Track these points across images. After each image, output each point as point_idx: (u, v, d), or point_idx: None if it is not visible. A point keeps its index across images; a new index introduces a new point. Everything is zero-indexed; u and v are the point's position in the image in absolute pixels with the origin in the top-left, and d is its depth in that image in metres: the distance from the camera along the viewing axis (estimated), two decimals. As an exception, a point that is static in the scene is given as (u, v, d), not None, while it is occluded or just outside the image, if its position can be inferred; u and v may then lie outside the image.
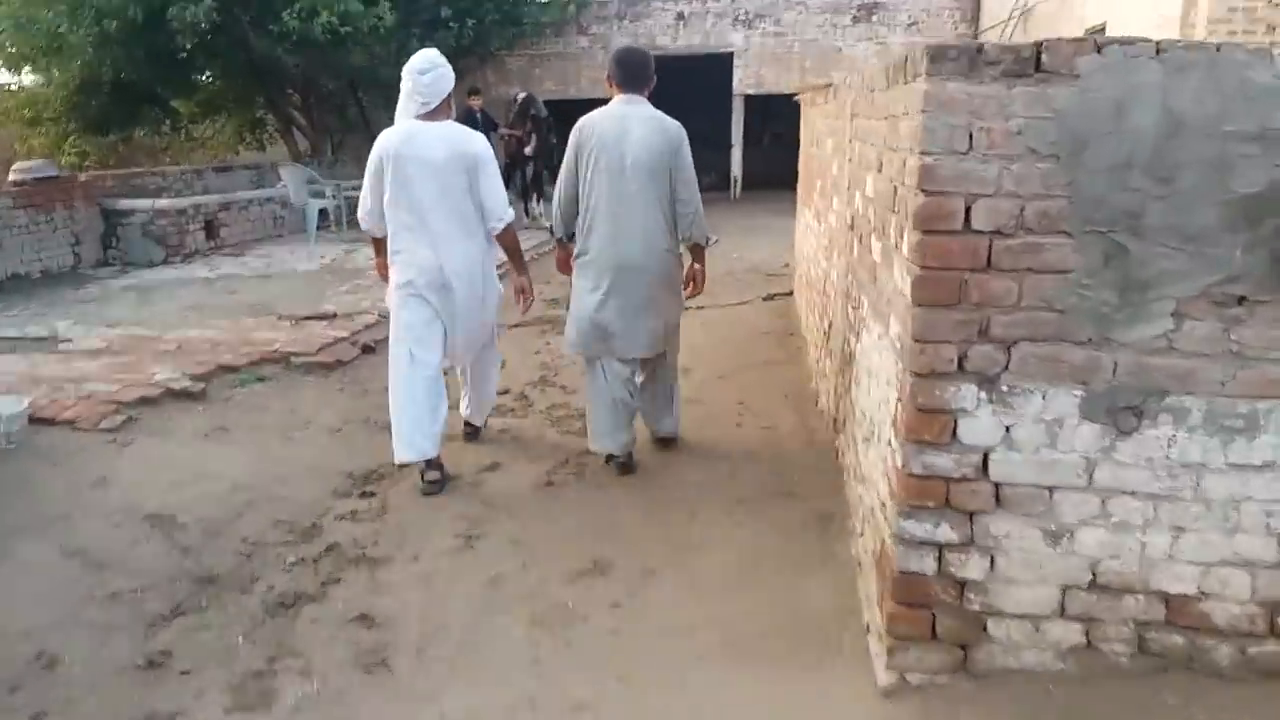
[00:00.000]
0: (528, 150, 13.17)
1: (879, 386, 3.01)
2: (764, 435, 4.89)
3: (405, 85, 4.12)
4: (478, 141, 4.23)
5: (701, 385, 5.84)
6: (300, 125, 18.05)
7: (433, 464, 4.36)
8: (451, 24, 15.20)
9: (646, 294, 4.15)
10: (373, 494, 4.38)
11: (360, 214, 4.34)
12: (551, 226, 4.48)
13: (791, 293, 8.48)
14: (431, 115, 4.12)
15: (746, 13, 18.46)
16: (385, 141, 4.14)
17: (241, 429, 5.13)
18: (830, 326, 4.68)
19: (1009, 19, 14.79)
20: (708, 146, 23.29)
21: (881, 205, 3.10)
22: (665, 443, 4.70)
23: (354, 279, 9.36)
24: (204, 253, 11.01)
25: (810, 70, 18.30)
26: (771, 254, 11.35)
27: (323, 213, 12.82)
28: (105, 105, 14.19)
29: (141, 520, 4.01)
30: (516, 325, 7.16)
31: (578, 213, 4.20)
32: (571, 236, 4.31)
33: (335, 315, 7.44)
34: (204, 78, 15.28)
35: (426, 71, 4.07)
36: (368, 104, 19.42)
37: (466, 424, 5.02)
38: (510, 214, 4.33)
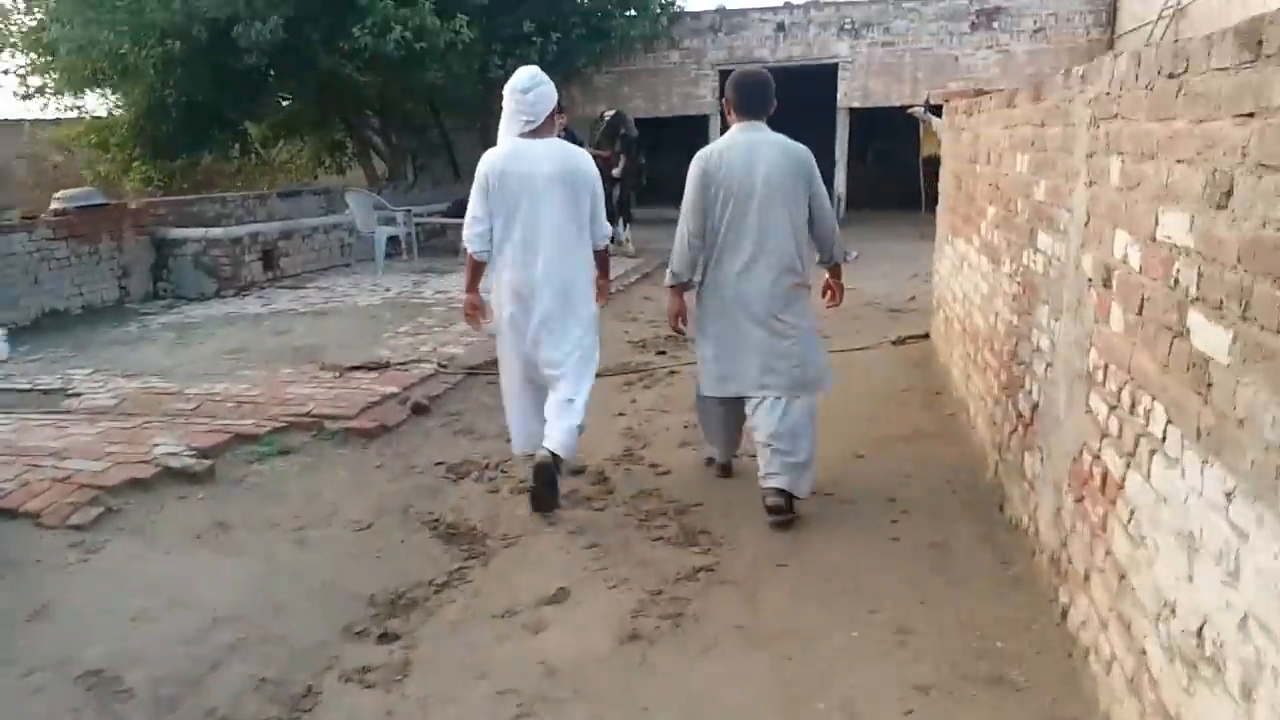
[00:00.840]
0: (615, 172, 12.07)
1: (1213, 571, 1.71)
2: (935, 558, 3.55)
3: (508, 104, 4.10)
4: (585, 158, 4.22)
5: (835, 467, 4.54)
6: (378, 148, 17.34)
7: (544, 469, 4.03)
8: (535, 39, 14.24)
9: (765, 324, 3.94)
10: (396, 636, 3.20)
11: (466, 236, 4.20)
12: (670, 271, 4.17)
13: (927, 335, 7.13)
14: (536, 133, 4.09)
15: (852, 21, 17.13)
16: (490, 159, 4.11)
17: (246, 526, 4.03)
18: (1036, 410, 3.35)
19: (1158, 18, 13.15)
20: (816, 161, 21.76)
21: (1222, 261, 1.81)
22: (784, 505, 3.88)
23: (418, 316, 8.33)
24: (260, 285, 10.15)
25: (923, 81, 16.86)
26: (892, 285, 9.98)
27: (393, 240, 11.92)
28: (172, 129, 13.59)
29: (73, 682, 2.91)
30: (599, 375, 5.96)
31: (701, 252, 4.02)
32: (689, 284, 4.13)
33: (388, 365, 6.37)
34: (275, 99, 14.59)
35: (530, 89, 4.04)
36: (449, 125, 18.71)
37: (546, 461, 4.08)
38: (609, 231, 4.41)
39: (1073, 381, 2.86)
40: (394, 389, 5.80)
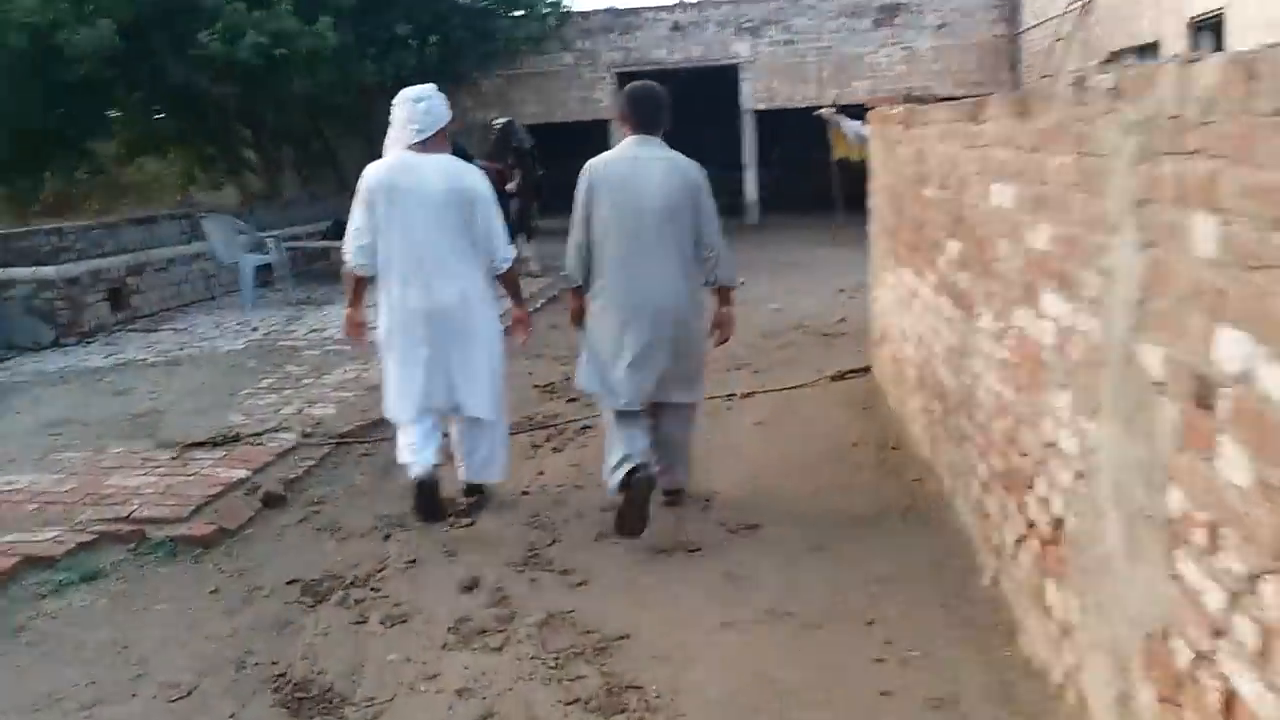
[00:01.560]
0: (510, 186, 11.12)
1: None
2: None
3: (398, 113, 4.01)
4: (477, 175, 4.14)
5: (795, 561, 3.74)
6: (250, 163, 16.03)
7: (426, 485, 4.09)
8: (411, 42, 13.17)
9: (668, 336, 3.93)
10: None
11: (347, 250, 4.09)
12: (563, 275, 4.25)
13: (869, 369, 6.42)
14: (426, 146, 3.99)
15: (751, 20, 16.53)
16: (376, 173, 4.00)
17: (13, 709, 3.02)
18: (1060, 528, 2.57)
19: (1064, 12, 12.81)
20: (714, 168, 21.14)
21: None
22: (673, 498, 4.30)
23: (286, 364, 7.27)
24: (109, 328, 8.91)
25: (829, 80, 16.40)
26: (819, 303, 9.30)
27: (265, 268, 10.75)
28: (2, 150, 12.08)
29: None
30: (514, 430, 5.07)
31: (590, 259, 4.00)
32: (586, 286, 4.08)
33: (238, 438, 5.34)
34: (123, 114, 13.20)
35: (422, 100, 3.99)
36: (330, 135, 17.48)
37: (465, 492, 4.43)
38: (512, 253, 4.30)
39: (1135, 520, 2.08)
40: (242, 472, 4.79)
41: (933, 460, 4.38)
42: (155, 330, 8.94)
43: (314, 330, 8.50)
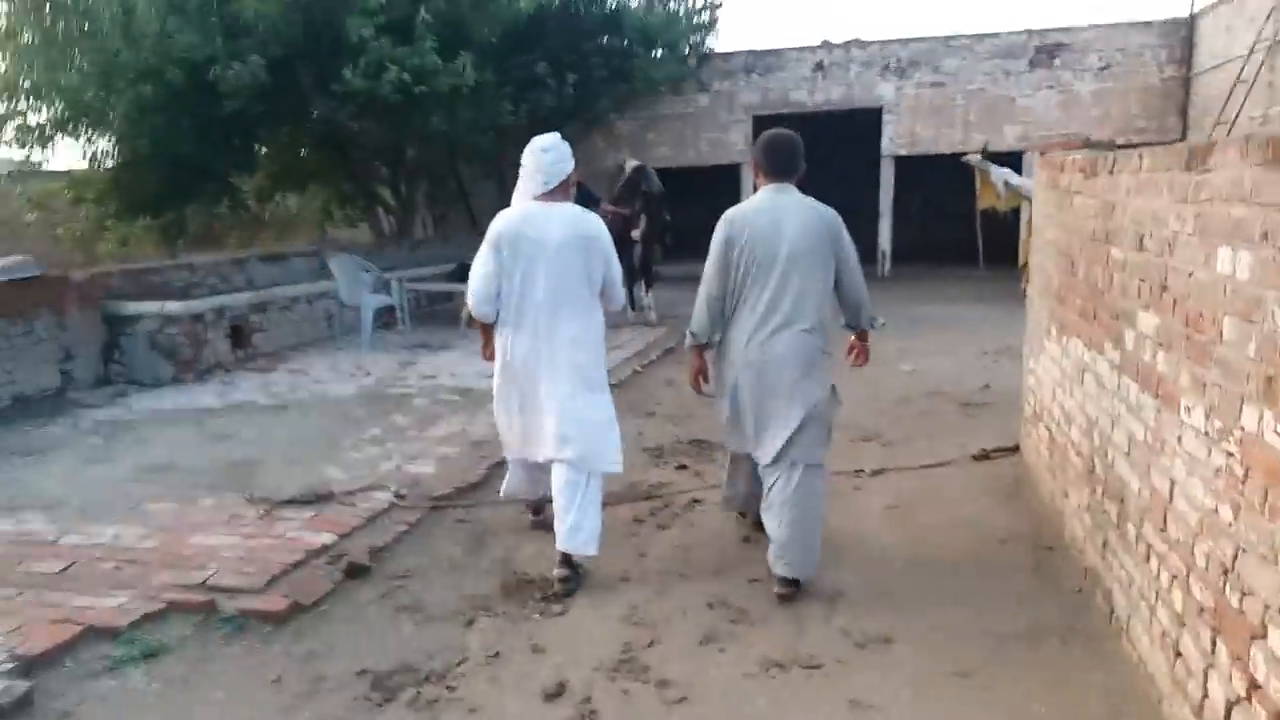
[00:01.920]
0: (635, 233, 10.82)
1: None
2: None
3: (526, 163, 4.12)
4: (596, 222, 4.19)
5: (924, 693, 3.15)
6: (385, 201, 16.26)
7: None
8: (549, 81, 13.09)
9: (798, 386, 3.86)
10: None
11: (470, 299, 4.21)
12: (689, 331, 4.14)
13: (1017, 448, 5.73)
14: (550, 196, 4.10)
15: (898, 60, 15.88)
16: (503, 222, 4.11)
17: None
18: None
19: (1250, 52, 11.74)
20: (849, 215, 20.31)
21: None
22: (791, 589, 3.89)
23: (393, 413, 7.03)
24: (227, 366, 8.92)
25: (975, 125, 15.60)
26: (960, 366, 8.57)
27: (389, 308, 10.72)
28: (150, 182, 12.52)
29: None
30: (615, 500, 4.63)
31: (723, 313, 3.99)
32: (709, 345, 4.12)
33: (331, 496, 5.05)
34: (267, 148, 13.54)
35: (549, 150, 4.08)
36: (466, 175, 17.64)
37: (561, 563, 4.09)
38: (623, 300, 4.45)
39: None
40: (328, 537, 4.48)
41: (1101, 571, 3.71)
42: (272, 370, 8.91)
43: (426, 377, 8.28)
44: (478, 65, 11.70)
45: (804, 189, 3.98)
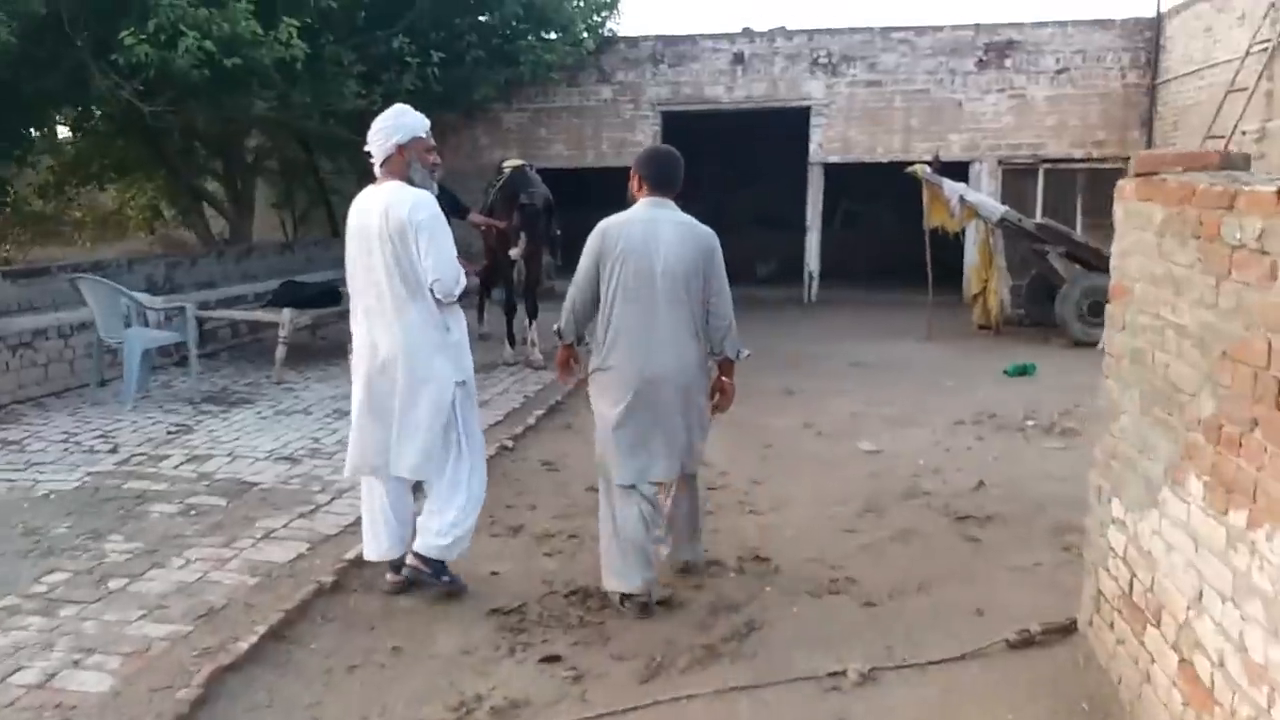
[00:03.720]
0: (514, 252, 8.62)
1: None
2: None
3: None
4: (413, 202, 3.78)
5: None
6: (214, 200, 13.68)
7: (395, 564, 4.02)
8: (409, 60, 10.72)
9: (677, 408, 3.94)
10: None
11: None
12: (558, 328, 4.10)
13: (1074, 626, 3.70)
14: (386, 175, 3.90)
15: (829, 54, 14.02)
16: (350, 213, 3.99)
17: None
18: None
19: (1247, 53, 10.13)
20: (768, 226, 18.44)
21: None
22: (688, 569, 4.28)
23: (118, 528, 4.64)
24: (-82, 432, 6.37)
25: (917, 131, 13.85)
26: (936, 444, 6.62)
27: (172, 346, 8.22)
28: None
29: None
30: None
31: (591, 317, 4.04)
32: (580, 340, 4.16)
33: None
34: (40, 132, 10.87)
35: (374, 127, 3.92)
36: (331, 173, 15.21)
37: (410, 558, 3.95)
38: (455, 284, 3.89)
39: None
40: None
41: None
42: (-11, 434, 6.39)
43: (194, 459, 5.87)
44: (314, 36, 9.32)
45: (684, 206, 4.02)
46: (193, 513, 4.87)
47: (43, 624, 3.69)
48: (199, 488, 5.26)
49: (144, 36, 8.26)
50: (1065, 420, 7.20)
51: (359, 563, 4.17)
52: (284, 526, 4.62)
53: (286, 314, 8.14)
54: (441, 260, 3.80)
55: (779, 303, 13.86)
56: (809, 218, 14.50)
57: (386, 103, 11.61)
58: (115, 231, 16.82)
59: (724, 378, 4.12)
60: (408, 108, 3.97)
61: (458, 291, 3.92)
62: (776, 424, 7.11)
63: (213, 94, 9.27)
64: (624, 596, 3.92)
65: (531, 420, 6.92)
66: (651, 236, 3.82)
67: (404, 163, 3.87)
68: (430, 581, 3.97)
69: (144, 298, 7.58)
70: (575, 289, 3.98)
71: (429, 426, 3.87)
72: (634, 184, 4.01)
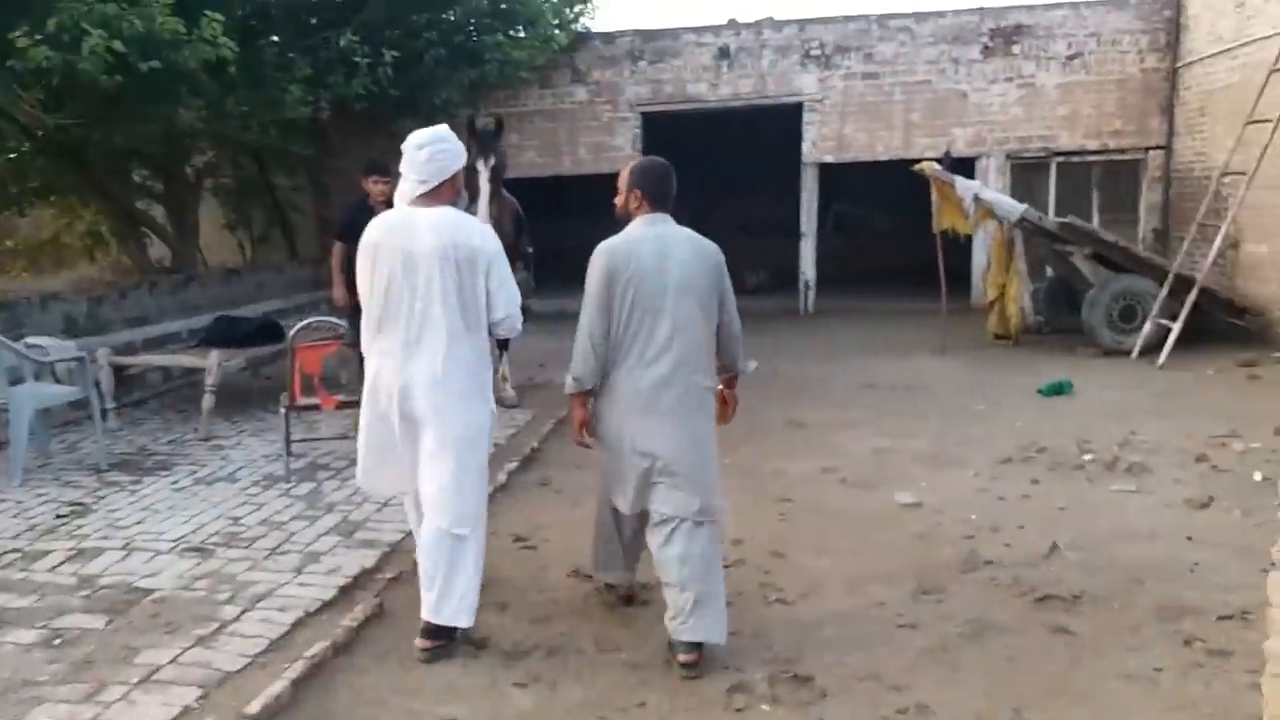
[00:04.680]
0: (479, 210, 7.53)
1: None
2: None
3: (403, 165, 3.71)
4: (481, 231, 3.75)
5: None
6: (152, 223, 12.57)
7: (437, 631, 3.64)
8: (359, 60, 9.64)
9: (690, 433, 3.67)
10: None
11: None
12: (572, 377, 3.73)
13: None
14: (430, 200, 3.68)
15: (822, 45, 13.05)
16: (371, 231, 3.75)
17: None
18: None
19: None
20: (758, 233, 16.87)
21: None
22: (694, 655, 3.54)
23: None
24: None
25: (919, 126, 12.89)
26: (981, 491, 5.61)
27: (78, 404, 7.10)
28: None
29: None
30: None
31: (606, 357, 3.72)
32: (592, 391, 3.77)
33: None
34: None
35: (426, 145, 3.65)
36: (288, 190, 14.17)
37: (426, 629, 3.63)
38: (518, 326, 3.87)
39: None
40: None
41: None
42: None
43: (77, 554, 4.71)
44: (253, 36, 8.25)
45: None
46: (57, 641, 3.76)
47: None
48: (74, 601, 4.15)
49: (41, 38, 7.16)
50: (1127, 453, 6.20)
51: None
52: (172, 661, 3.53)
53: (213, 358, 7.04)
54: (512, 296, 3.76)
55: (773, 315, 12.84)
56: (803, 223, 13.51)
57: (335, 109, 10.73)
58: (53, 261, 15.63)
59: (727, 389, 3.99)
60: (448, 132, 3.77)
61: (520, 327, 3.91)
62: (791, 470, 6.08)
63: (132, 103, 8.18)
64: (608, 586, 4.09)
65: (502, 477, 5.85)
66: (662, 254, 3.66)
67: (456, 190, 3.81)
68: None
69: (43, 343, 6.48)
70: (589, 323, 3.67)
71: (476, 471, 3.76)
72: (629, 200, 3.79)
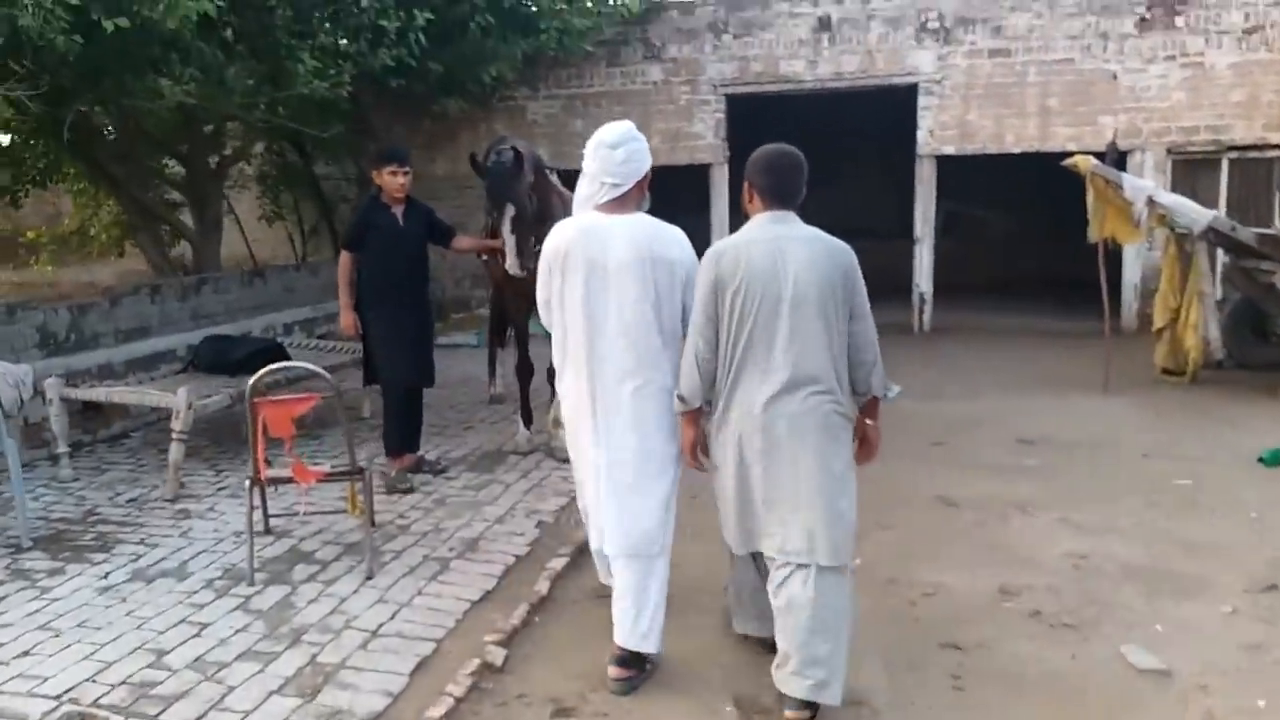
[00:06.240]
0: (509, 265, 5.90)
1: None
2: None
3: (587, 163, 3.63)
4: (677, 240, 3.60)
5: None
6: (171, 219, 11.23)
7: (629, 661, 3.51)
8: (385, 24, 8.02)
9: (807, 468, 3.28)
10: None
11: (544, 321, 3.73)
12: (677, 395, 3.51)
13: None
14: (620, 204, 3.57)
15: (941, 16, 11.16)
16: (556, 238, 3.61)
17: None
18: None
19: None
20: (863, 236, 16.02)
21: None
22: (805, 714, 3.25)
23: None
24: None
25: (1059, 113, 10.97)
26: (1236, 634, 3.75)
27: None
28: None
29: None
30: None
31: (715, 372, 3.48)
32: (708, 405, 3.55)
33: None
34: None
35: (620, 145, 3.55)
36: (325, 177, 12.82)
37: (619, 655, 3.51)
38: None
39: None
40: None
41: None
42: None
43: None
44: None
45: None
46: None
47: None
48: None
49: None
50: None
51: None
52: None
53: (181, 397, 5.48)
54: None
55: (883, 331, 10.95)
56: (917, 226, 11.63)
57: (360, 85, 9.16)
58: (79, 253, 14.53)
59: (868, 420, 3.55)
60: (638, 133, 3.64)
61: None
62: (953, 586, 4.35)
63: (106, 72, 6.70)
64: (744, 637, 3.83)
65: (543, 586, 4.21)
66: (777, 259, 3.31)
67: (643, 193, 3.67)
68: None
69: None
70: (693, 336, 3.45)
71: (653, 510, 3.56)
72: (748, 197, 3.48)
